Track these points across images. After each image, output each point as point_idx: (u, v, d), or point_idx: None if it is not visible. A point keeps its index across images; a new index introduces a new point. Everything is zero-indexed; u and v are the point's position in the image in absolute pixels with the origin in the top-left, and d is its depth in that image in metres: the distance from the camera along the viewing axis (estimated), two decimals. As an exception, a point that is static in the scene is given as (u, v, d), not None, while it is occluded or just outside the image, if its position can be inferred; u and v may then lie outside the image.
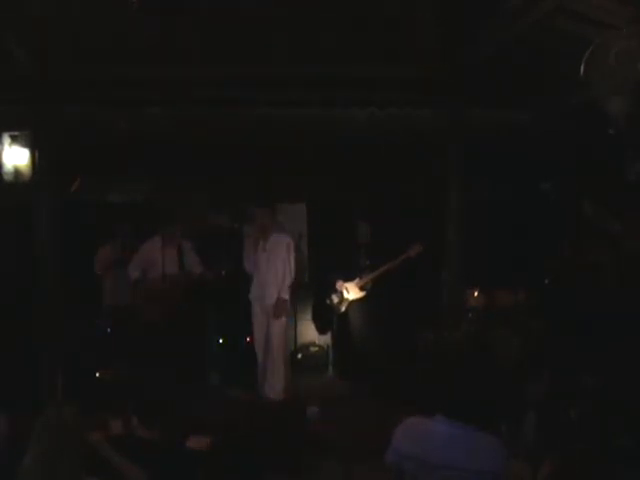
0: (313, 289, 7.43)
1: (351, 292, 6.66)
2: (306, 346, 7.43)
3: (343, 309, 6.74)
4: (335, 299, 6.74)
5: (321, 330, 7.49)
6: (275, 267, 6.02)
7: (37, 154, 5.87)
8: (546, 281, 6.18)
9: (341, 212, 7.25)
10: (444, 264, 6.10)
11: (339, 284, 6.69)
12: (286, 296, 6.03)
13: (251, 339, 6.98)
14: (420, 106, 6.21)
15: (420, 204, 7.10)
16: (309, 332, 7.62)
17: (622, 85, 3.41)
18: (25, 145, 6.33)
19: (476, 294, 6.49)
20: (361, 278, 6.65)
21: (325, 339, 7.60)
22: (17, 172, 6.41)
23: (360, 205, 7.37)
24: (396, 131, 6.54)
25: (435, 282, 6.18)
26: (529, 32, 4.79)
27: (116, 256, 6.71)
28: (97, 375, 5.87)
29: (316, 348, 7.51)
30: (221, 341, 6.88)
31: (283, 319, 6.08)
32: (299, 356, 7.32)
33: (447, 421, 2.61)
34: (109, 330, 6.44)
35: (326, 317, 7.20)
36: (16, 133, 6.34)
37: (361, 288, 6.64)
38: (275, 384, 5.96)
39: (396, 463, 2.74)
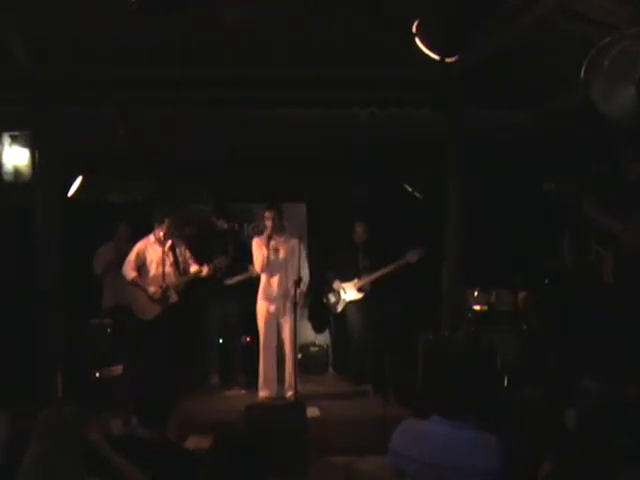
0: (312, 288, 7.43)
1: (349, 293, 6.65)
2: (306, 346, 7.43)
3: (340, 309, 6.73)
4: (332, 299, 6.73)
5: (317, 329, 7.48)
6: (290, 267, 6.01)
7: (37, 154, 5.86)
8: (546, 281, 6.17)
9: (341, 212, 7.25)
10: (444, 264, 6.10)
11: (337, 284, 6.68)
12: (304, 288, 6.11)
13: (251, 339, 6.99)
14: (420, 106, 6.20)
15: (420, 204, 7.10)
16: (309, 332, 7.62)
17: (622, 85, 3.41)
18: (25, 145, 6.32)
19: (476, 294, 6.48)
20: (359, 279, 6.64)
21: (325, 339, 7.60)
22: (17, 172, 6.40)
23: (359, 205, 7.37)
24: (396, 131, 6.53)
25: (435, 282, 6.18)
26: (529, 32, 4.79)
27: (115, 256, 6.71)
28: (97, 375, 5.87)
29: (316, 348, 7.51)
30: (221, 341, 6.87)
31: (293, 318, 6.11)
32: (299, 356, 7.30)
33: (445, 421, 2.61)
34: (109, 330, 6.44)
35: (322, 316, 7.19)
36: (16, 133, 6.33)
37: (359, 290, 6.63)
38: (290, 383, 5.93)
39: (396, 465, 2.74)
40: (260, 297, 6.16)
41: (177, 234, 6.45)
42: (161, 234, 6.13)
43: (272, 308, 6.08)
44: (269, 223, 6.03)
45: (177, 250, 6.33)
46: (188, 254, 6.43)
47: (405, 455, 2.66)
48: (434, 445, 2.59)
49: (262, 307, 6.14)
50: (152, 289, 6.13)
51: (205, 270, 6.30)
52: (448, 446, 2.56)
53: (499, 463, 2.54)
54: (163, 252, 6.11)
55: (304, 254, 6.13)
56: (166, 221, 6.14)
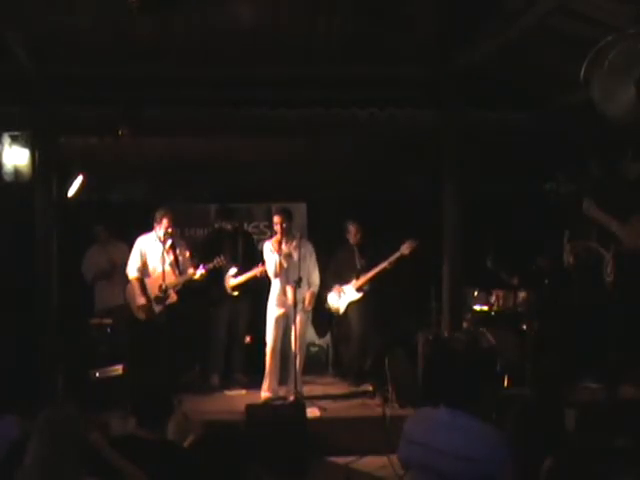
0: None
1: (348, 294, 6.64)
2: (306, 346, 7.42)
3: (342, 311, 6.73)
4: (333, 303, 6.74)
5: (319, 333, 7.47)
6: (306, 271, 5.96)
7: (37, 154, 5.86)
8: (546, 281, 6.17)
9: (341, 212, 7.24)
10: (444, 264, 6.09)
11: (336, 288, 6.67)
12: (315, 290, 6.13)
13: (251, 339, 6.98)
14: (420, 106, 6.21)
15: (420, 204, 7.10)
16: (309, 333, 7.60)
17: (622, 85, 3.41)
18: (25, 145, 6.32)
19: (476, 294, 6.48)
20: (357, 279, 6.63)
21: (325, 339, 7.59)
22: (17, 172, 6.40)
23: (359, 205, 7.36)
24: (396, 131, 6.54)
25: (435, 282, 6.18)
26: (529, 32, 4.79)
27: (105, 265, 6.73)
28: (97, 375, 5.86)
29: (316, 348, 7.51)
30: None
31: (305, 319, 6.11)
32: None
33: (449, 411, 2.71)
34: (109, 330, 6.44)
35: (323, 320, 7.17)
36: (16, 133, 6.34)
37: (358, 289, 6.62)
38: (299, 383, 5.91)
39: (404, 454, 2.81)
40: (272, 303, 6.07)
41: (177, 233, 6.43)
42: (161, 233, 6.10)
43: (283, 311, 6.04)
44: (278, 228, 5.98)
45: (177, 249, 6.30)
46: (187, 254, 6.40)
47: (414, 441, 2.76)
48: (440, 432, 2.69)
49: (274, 312, 6.05)
50: (152, 292, 6.10)
51: (198, 274, 6.26)
52: (452, 433, 2.65)
53: (502, 453, 2.62)
54: (164, 251, 6.08)
55: (314, 257, 6.11)
56: (165, 219, 6.10)
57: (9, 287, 5.98)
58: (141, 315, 6.15)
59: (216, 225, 7.01)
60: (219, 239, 6.75)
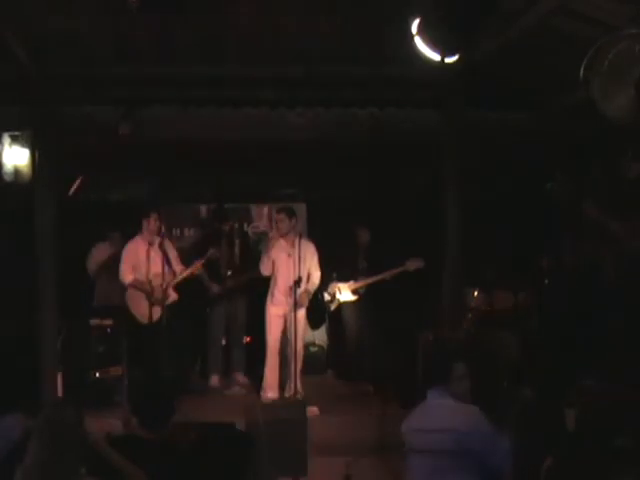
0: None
1: (343, 294, 6.64)
2: (306, 346, 7.41)
3: (332, 308, 6.73)
4: (326, 297, 6.73)
5: (313, 325, 7.45)
6: (305, 271, 5.95)
7: (37, 154, 5.86)
8: (546, 281, 6.17)
9: (341, 212, 7.25)
10: (444, 264, 6.09)
11: (332, 285, 6.67)
12: (312, 289, 6.11)
13: (251, 339, 6.99)
14: (420, 106, 6.20)
15: (420, 204, 7.10)
16: (308, 332, 7.60)
17: (622, 85, 3.41)
18: (25, 145, 6.32)
19: (476, 294, 6.48)
20: (355, 281, 6.62)
21: (324, 339, 7.60)
22: (17, 172, 6.40)
23: (360, 206, 7.36)
24: (396, 131, 6.53)
25: (435, 282, 6.18)
26: (529, 32, 4.79)
27: (107, 258, 6.71)
28: (97, 375, 5.87)
29: (316, 348, 7.51)
30: (224, 341, 6.85)
31: (304, 317, 6.11)
32: (298, 356, 7.30)
33: (433, 392, 2.92)
34: (109, 330, 6.43)
35: (319, 312, 7.16)
36: (16, 133, 6.34)
37: (354, 291, 6.61)
38: (297, 383, 5.91)
39: (406, 449, 2.98)
40: (270, 302, 6.08)
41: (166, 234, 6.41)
42: (151, 235, 6.09)
43: (282, 311, 6.03)
44: (280, 225, 5.99)
45: (167, 250, 6.26)
46: (175, 253, 6.38)
47: (408, 431, 2.94)
48: (428, 415, 2.89)
49: (272, 311, 6.06)
50: (151, 289, 6.09)
51: (189, 271, 6.25)
52: (437, 413, 2.85)
53: (483, 427, 2.78)
54: (161, 252, 6.07)
55: (316, 258, 6.10)
56: (153, 218, 6.09)
57: (9, 287, 5.98)
58: (152, 315, 6.12)
59: (216, 225, 7.01)
60: (217, 239, 6.74)
